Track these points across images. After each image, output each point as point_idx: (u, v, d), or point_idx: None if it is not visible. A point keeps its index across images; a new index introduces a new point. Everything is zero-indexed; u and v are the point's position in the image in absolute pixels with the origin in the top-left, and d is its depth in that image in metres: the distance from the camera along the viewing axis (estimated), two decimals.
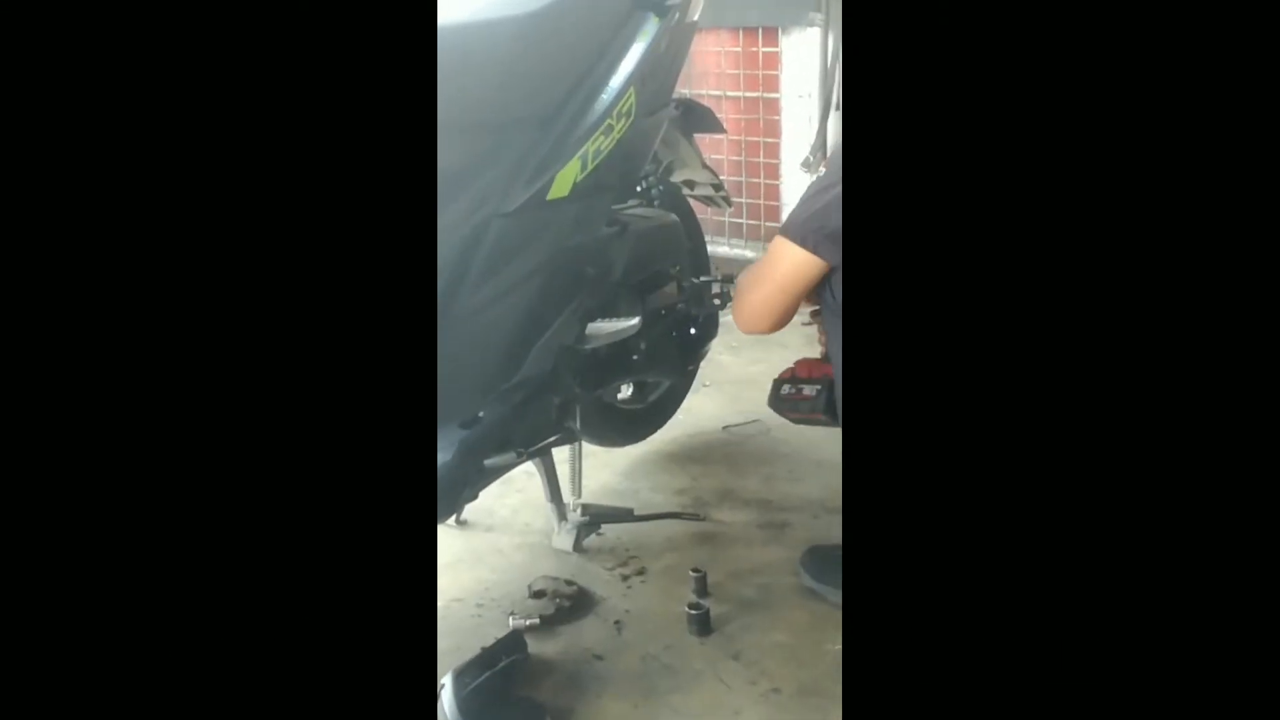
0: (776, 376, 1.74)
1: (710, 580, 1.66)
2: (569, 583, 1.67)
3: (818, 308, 1.60)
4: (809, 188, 1.53)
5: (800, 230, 1.43)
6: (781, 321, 1.55)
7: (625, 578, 1.72)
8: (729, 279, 1.84)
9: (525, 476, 1.90)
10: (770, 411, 1.74)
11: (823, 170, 1.58)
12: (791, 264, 1.45)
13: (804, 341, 1.88)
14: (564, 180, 1.39)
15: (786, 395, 1.69)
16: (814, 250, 1.42)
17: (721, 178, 2.12)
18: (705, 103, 2.01)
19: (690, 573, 1.66)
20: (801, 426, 1.83)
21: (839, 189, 1.36)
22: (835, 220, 1.36)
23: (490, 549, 1.83)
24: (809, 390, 1.66)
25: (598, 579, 1.72)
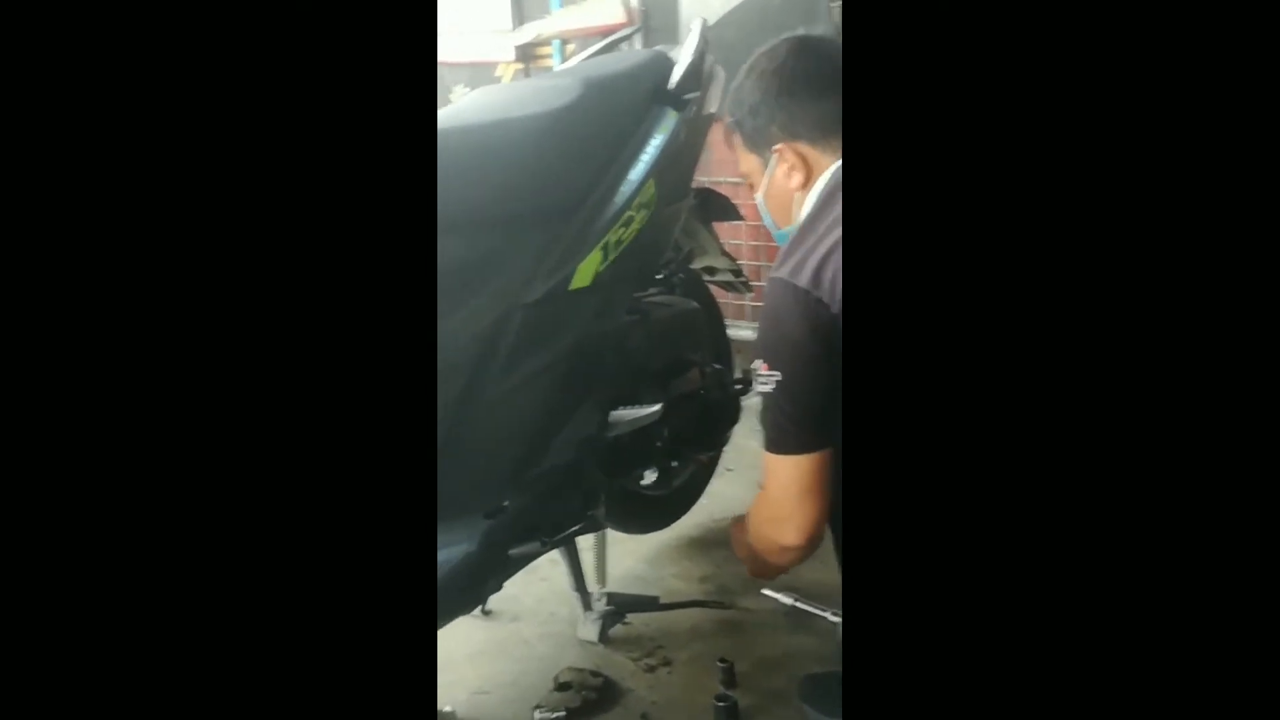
0: None
1: (738, 670, 1.64)
2: (595, 674, 1.65)
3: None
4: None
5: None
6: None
7: (651, 668, 1.69)
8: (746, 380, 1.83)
9: (550, 564, 1.89)
10: None
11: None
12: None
13: None
14: (586, 270, 1.41)
15: None
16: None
17: (740, 263, 2.14)
18: (725, 189, 2.04)
19: (718, 663, 1.63)
20: None
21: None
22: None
23: (515, 639, 1.81)
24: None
25: (624, 670, 1.69)
